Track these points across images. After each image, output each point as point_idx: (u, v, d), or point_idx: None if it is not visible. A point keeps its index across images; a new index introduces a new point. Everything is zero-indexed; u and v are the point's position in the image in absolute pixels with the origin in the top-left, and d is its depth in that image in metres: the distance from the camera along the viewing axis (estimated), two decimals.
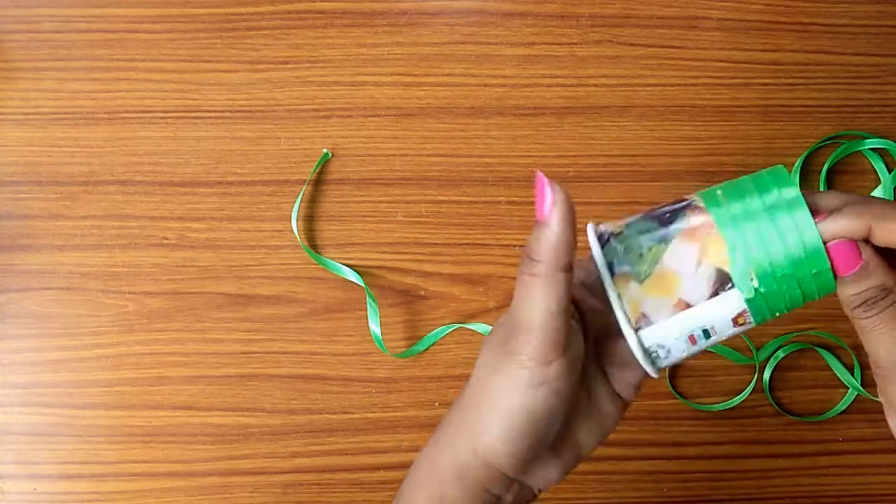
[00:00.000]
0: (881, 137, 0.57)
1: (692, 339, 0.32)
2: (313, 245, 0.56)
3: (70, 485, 0.54)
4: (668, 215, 0.32)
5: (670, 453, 0.56)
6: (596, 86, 0.57)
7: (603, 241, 0.33)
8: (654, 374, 0.33)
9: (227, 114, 0.56)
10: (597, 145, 0.57)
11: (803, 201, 0.31)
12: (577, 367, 0.33)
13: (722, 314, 0.31)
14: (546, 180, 0.30)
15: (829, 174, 0.57)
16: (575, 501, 0.55)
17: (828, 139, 0.57)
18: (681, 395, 0.56)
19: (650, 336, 0.32)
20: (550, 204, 0.30)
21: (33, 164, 0.55)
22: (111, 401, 0.54)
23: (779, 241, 0.31)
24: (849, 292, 0.32)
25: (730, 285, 0.31)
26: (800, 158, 0.57)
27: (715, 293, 0.31)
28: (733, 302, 0.31)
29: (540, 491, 0.35)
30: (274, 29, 0.56)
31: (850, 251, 0.31)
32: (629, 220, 0.33)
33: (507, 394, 0.32)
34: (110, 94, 0.56)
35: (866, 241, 0.31)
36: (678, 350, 0.32)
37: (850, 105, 0.58)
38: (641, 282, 0.32)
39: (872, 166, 0.57)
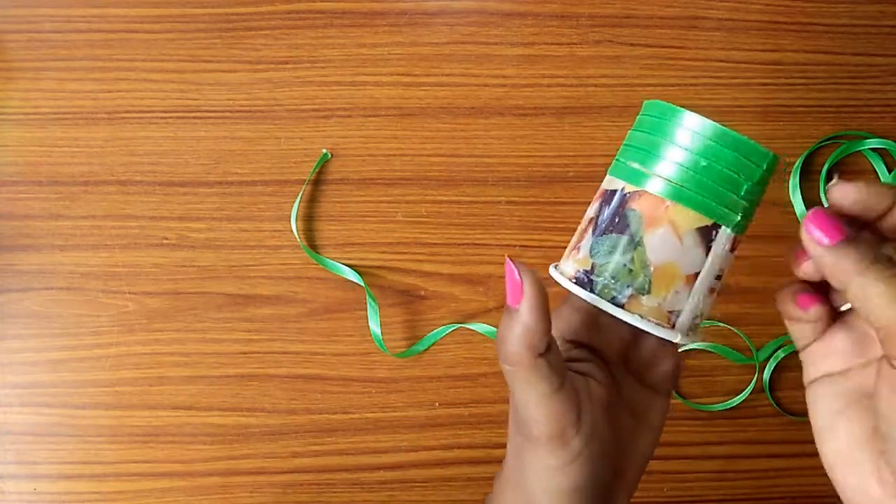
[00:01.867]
0: (881, 137, 0.57)
1: (712, 290, 0.32)
2: (313, 245, 0.56)
3: (70, 485, 0.54)
4: (617, 220, 0.32)
5: (670, 453, 0.56)
6: (596, 86, 0.57)
7: (586, 284, 0.32)
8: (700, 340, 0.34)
9: (227, 114, 0.56)
10: (597, 145, 0.57)
11: (715, 123, 0.30)
12: (601, 417, 0.32)
13: (723, 255, 0.32)
14: (514, 266, 0.29)
15: (829, 174, 0.57)
16: None
17: (828, 139, 0.57)
18: (681, 395, 0.56)
19: (686, 321, 0.32)
20: (519, 291, 0.29)
21: (33, 164, 0.55)
22: (111, 401, 0.54)
23: (724, 170, 0.30)
24: (851, 255, 0.28)
25: (715, 232, 0.31)
26: (800, 158, 0.57)
27: (708, 248, 0.31)
28: (724, 239, 0.31)
29: None
30: (274, 29, 0.56)
31: (829, 219, 0.29)
32: (585, 247, 0.32)
33: (545, 477, 0.31)
34: (110, 94, 0.56)
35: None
36: (707, 305, 0.33)
37: (850, 105, 0.58)
38: (649, 291, 0.31)
39: (872, 166, 0.57)
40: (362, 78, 0.56)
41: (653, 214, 0.31)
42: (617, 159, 0.33)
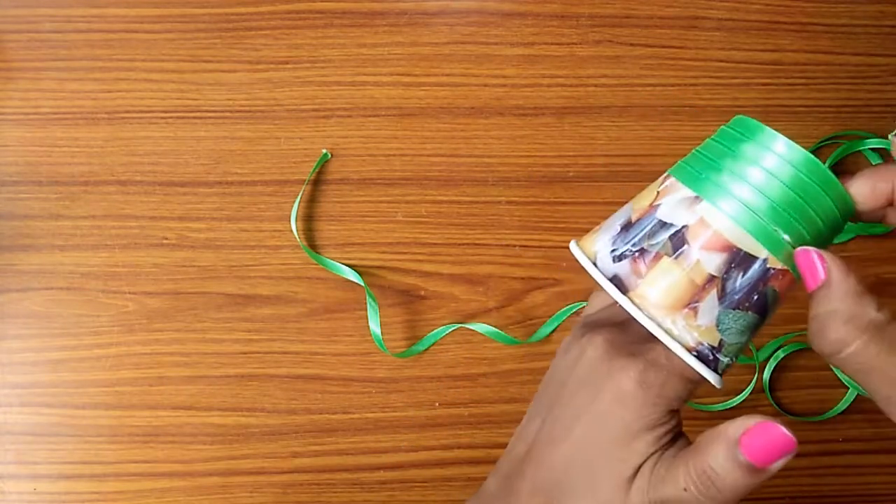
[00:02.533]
0: (881, 137, 0.57)
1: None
2: (313, 245, 0.56)
3: (70, 485, 0.54)
4: (756, 297, 0.28)
5: None
6: (596, 86, 0.57)
7: (710, 361, 0.29)
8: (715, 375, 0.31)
9: (227, 114, 0.56)
10: (597, 145, 0.57)
11: (849, 197, 0.28)
12: None
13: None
14: (770, 427, 0.27)
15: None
16: None
17: (828, 139, 0.57)
18: None
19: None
20: (777, 455, 0.28)
21: (33, 164, 0.55)
22: (111, 401, 0.54)
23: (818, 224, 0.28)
24: (810, 313, 0.27)
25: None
26: None
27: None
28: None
29: None
30: (274, 29, 0.56)
31: (809, 261, 0.27)
32: (709, 313, 0.28)
33: None
34: (110, 94, 0.56)
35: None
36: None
37: (850, 105, 0.58)
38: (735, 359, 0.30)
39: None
40: (362, 78, 0.56)
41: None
42: (749, 208, 0.28)
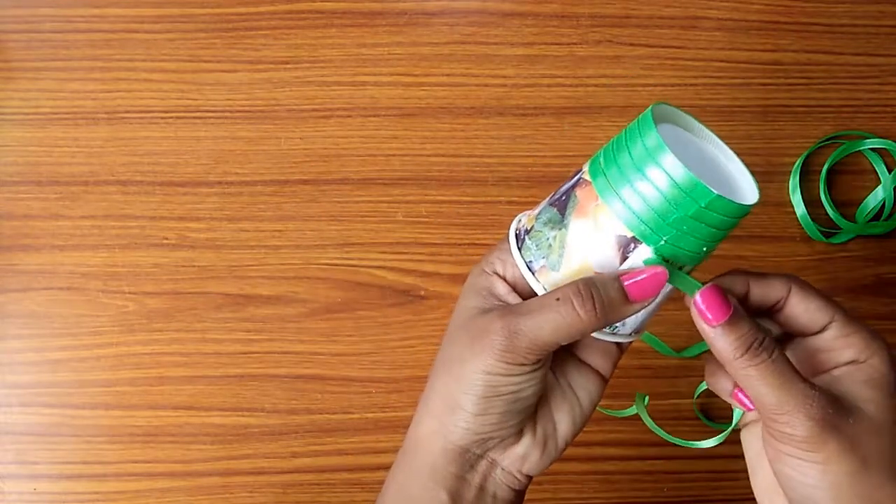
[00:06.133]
0: (881, 137, 0.57)
1: None
2: (313, 245, 0.55)
3: (70, 485, 0.54)
4: (564, 197, 0.34)
5: (670, 453, 0.56)
6: (596, 86, 0.57)
7: (519, 240, 0.34)
8: (622, 341, 0.35)
9: (227, 114, 0.56)
10: (597, 145, 0.56)
11: (663, 143, 0.31)
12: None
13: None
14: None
15: (829, 174, 0.57)
16: (575, 501, 0.55)
17: (828, 139, 0.57)
18: (681, 395, 0.56)
19: None
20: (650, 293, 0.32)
21: (33, 164, 0.55)
22: (111, 401, 0.54)
23: (654, 190, 0.31)
24: (728, 340, 0.31)
25: (633, 246, 0.32)
26: (800, 158, 0.57)
27: (624, 257, 0.32)
28: (643, 255, 0.32)
29: (525, 476, 0.35)
30: (274, 29, 0.56)
31: (717, 297, 0.31)
32: (539, 207, 0.35)
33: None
34: (110, 94, 0.56)
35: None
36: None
37: (850, 105, 0.58)
38: (558, 270, 0.33)
39: (872, 166, 0.57)
40: (362, 78, 0.56)
41: (585, 205, 0.33)
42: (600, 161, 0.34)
